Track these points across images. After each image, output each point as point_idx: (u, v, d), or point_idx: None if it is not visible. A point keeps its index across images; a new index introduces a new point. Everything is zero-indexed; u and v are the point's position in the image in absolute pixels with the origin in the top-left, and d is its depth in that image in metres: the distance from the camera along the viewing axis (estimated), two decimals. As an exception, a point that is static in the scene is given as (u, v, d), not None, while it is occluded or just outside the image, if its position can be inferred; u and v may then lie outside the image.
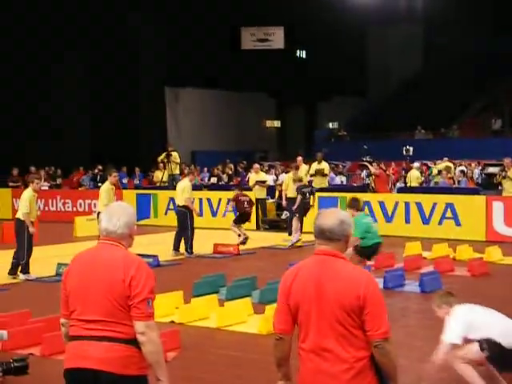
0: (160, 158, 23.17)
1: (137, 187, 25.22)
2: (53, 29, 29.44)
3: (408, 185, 21.73)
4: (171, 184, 22.06)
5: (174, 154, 22.06)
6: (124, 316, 3.76)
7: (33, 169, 24.16)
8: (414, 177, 21.90)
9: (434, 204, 17.10)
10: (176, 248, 14.76)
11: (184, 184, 15.16)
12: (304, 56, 43.87)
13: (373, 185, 21.15)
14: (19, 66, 28.75)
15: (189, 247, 14.70)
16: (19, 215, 12.32)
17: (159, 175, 24.44)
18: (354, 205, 10.35)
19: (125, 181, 27.55)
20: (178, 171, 22.27)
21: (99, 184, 20.98)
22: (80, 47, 30.86)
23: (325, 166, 21.06)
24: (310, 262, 3.82)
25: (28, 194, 12.42)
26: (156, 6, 32.77)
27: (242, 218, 16.07)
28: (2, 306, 9.85)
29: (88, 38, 30.84)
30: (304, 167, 21.33)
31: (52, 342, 7.19)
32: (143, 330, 3.74)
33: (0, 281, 12.02)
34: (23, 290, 11.46)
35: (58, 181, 26.83)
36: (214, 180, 26.13)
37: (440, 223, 16.99)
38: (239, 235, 15.81)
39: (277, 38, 38.62)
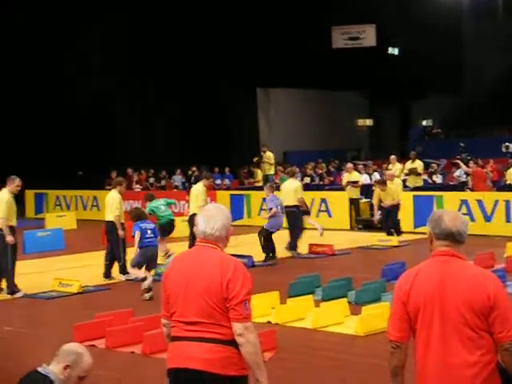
0: (255, 159, 23.39)
1: (228, 188, 25.48)
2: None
3: (508, 182, 20.99)
4: (265, 184, 22.13)
5: (268, 154, 22.12)
6: (222, 318, 3.80)
7: (113, 174, 24.52)
8: (514, 174, 21.11)
9: (537, 202, 16.46)
10: (293, 247, 14.72)
11: (296, 184, 15.15)
12: (396, 53, 43.15)
13: (470, 183, 20.53)
14: (113, 70, 29.60)
15: (294, 246, 14.73)
16: (110, 218, 12.61)
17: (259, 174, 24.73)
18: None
19: (217, 182, 27.93)
20: (272, 172, 22.31)
21: (192, 185, 21.30)
22: (171, 48, 31.45)
23: (418, 164, 20.67)
24: (430, 264, 3.70)
25: (117, 196, 12.72)
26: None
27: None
28: (104, 305, 10.16)
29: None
30: (398, 166, 21.00)
31: (153, 341, 7.34)
32: (241, 331, 3.77)
33: (102, 281, 12.38)
34: (124, 290, 11.77)
35: (163, 182, 27.40)
36: (306, 180, 26.04)
37: (543, 222, 16.33)
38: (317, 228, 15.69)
39: (368, 35, 38.16)
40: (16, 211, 11.57)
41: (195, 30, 31.20)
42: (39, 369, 4.01)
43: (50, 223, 20.09)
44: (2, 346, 8.46)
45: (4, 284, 11.36)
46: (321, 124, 39.78)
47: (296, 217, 14.75)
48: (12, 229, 11.24)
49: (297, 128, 38.69)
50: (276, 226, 14.13)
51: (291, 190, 14.80)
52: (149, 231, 11.57)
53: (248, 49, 32.99)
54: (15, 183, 11.45)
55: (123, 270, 12.58)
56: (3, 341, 8.70)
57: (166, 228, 13.75)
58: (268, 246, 14.07)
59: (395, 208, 16.94)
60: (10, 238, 11.11)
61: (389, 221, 16.96)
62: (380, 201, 17.09)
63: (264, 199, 20.71)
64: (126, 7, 29.55)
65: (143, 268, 11.38)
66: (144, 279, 10.87)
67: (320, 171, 26.80)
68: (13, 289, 11.23)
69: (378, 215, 16.95)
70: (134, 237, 11.42)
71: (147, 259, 11.47)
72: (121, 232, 12.48)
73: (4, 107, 27.39)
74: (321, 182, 25.39)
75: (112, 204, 12.62)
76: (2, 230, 11.10)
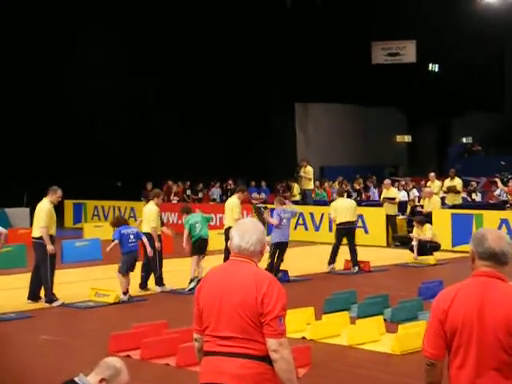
0: (296, 173, 23.43)
1: (264, 202, 25.47)
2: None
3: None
4: (310, 199, 22.06)
5: (308, 168, 21.98)
6: (256, 333, 3.77)
7: (149, 186, 24.70)
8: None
9: None
10: (355, 264, 14.63)
11: (352, 203, 15.36)
12: (436, 70, 42.84)
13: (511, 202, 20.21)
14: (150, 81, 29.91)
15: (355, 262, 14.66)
16: (146, 229, 12.68)
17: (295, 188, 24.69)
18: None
19: (254, 195, 27.96)
20: (310, 186, 22.11)
21: (224, 198, 21.38)
22: (211, 62, 31.67)
23: (457, 182, 20.45)
24: (470, 284, 3.63)
25: (154, 208, 12.80)
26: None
27: None
28: (139, 316, 10.23)
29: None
30: (437, 183, 20.79)
31: (187, 353, 7.34)
32: (276, 347, 3.74)
33: (138, 291, 12.46)
34: (159, 302, 11.83)
35: (200, 194, 27.53)
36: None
37: None
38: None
39: (408, 51, 37.98)
40: (56, 221, 11.75)
41: (238, 47, 31.42)
42: (76, 378, 4.04)
43: (88, 233, 20.32)
44: (39, 354, 8.55)
45: (42, 293, 11.52)
46: (358, 139, 39.64)
47: (354, 233, 14.99)
48: (52, 238, 11.40)
49: (334, 143, 38.61)
50: (283, 237, 13.77)
51: (350, 207, 14.94)
52: (131, 236, 11.93)
53: (288, 64, 33.09)
54: (57, 194, 11.63)
55: (159, 282, 12.65)
56: (41, 349, 8.80)
57: (197, 246, 13.32)
58: (272, 262, 13.52)
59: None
60: (50, 247, 11.27)
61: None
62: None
63: (301, 214, 20.73)
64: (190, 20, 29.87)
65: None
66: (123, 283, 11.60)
67: (357, 187, 26.64)
68: (51, 297, 11.37)
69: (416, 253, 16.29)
70: (113, 241, 11.92)
71: (132, 264, 11.83)
72: (157, 244, 12.57)
73: (45, 118, 27.85)
74: (358, 198, 25.24)
75: (149, 216, 12.72)
76: (42, 238, 11.27)
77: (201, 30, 30.62)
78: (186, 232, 12.84)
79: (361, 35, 35.79)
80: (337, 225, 15.00)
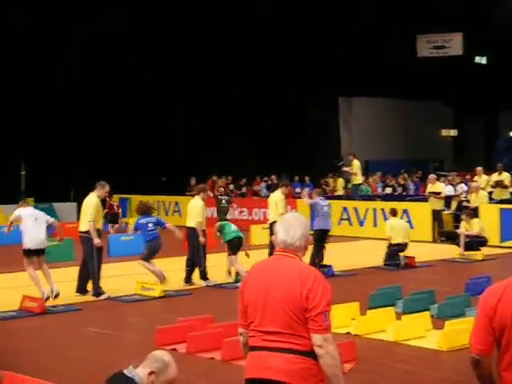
0: (339, 163, 23.36)
1: (309, 196, 25.40)
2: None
3: None
4: (355, 194, 21.88)
5: (355, 162, 21.80)
6: (301, 328, 3.76)
7: (193, 180, 24.96)
8: None
9: None
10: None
11: (406, 224, 15.47)
12: (484, 62, 42.07)
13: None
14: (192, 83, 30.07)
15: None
16: (191, 224, 12.76)
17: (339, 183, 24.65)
18: None
19: (298, 190, 27.92)
20: (356, 181, 21.89)
21: (270, 193, 21.39)
22: (255, 58, 31.69)
23: (505, 176, 20.10)
24: None
25: (200, 203, 12.87)
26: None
27: None
28: (184, 310, 10.32)
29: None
30: (484, 178, 20.48)
31: (232, 347, 7.37)
32: (321, 343, 3.72)
33: (183, 286, 12.56)
34: (204, 296, 11.91)
35: (244, 189, 27.62)
36: (388, 190, 25.71)
37: None
38: None
39: (455, 44, 37.37)
40: (102, 215, 11.92)
41: (281, 42, 31.35)
42: (125, 371, 4.09)
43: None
44: (87, 346, 8.69)
45: (90, 286, 11.70)
46: (403, 134, 39.21)
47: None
48: (98, 232, 11.57)
49: (378, 137, 38.27)
50: (324, 225, 14.13)
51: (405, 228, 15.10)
52: (150, 224, 12.34)
53: (331, 58, 32.90)
54: (105, 189, 11.81)
55: (203, 276, 12.74)
56: (89, 341, 8.94)
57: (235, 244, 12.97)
58: (318, 247, 13.86)
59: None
60: (97, 241, 11.44)
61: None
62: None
63: (345, 209, 20.66)
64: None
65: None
66: (154, 272, 12.06)
67: (402, 181, 26.39)
68: (98, 291, 11.54)
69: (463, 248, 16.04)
70: (134, 230, 12.65)
71: (154, 251, 12.27)
72: (202, 238, 12.65)
73: (92, 114, 28.23)
74: (403, 193, 25.01)
75: (194, 210, 12.80)
76: (89, 232, 11.44)
77: (243, 26, 30.65)
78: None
79: (406, 28, 35.36)
80: (392, 245, 14.67)
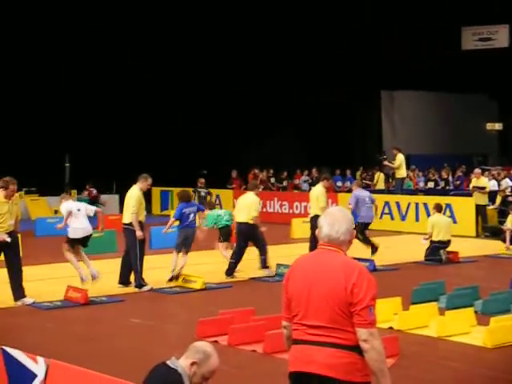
0: (380, 157, 23.20)
1: (349, 190, 25.28)
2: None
3: None
4: (399, 188, 21.61)
5: (397, 156, 21.54)
6: (346, 323, 3.74)
7: (234, 173, 25.21)
8: None
9: None
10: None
11: (449, 220, 15.27)
12: (531, 54, 41.23)
13: None
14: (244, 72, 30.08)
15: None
16: (243, 219, 12.71)
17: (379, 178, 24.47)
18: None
19: (339, 184, 27.79)
20: (399, 175, 21.56)
21: (311, 187, 21.35)
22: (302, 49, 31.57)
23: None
24: None
25: (256, 199, 12.99)
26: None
27: None
28: (226, 302, 10.35)
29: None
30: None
31: (274, 340, 7.37)
32: (366, 337, 3.71)
33: (225, 278, 12.58)
34: (246, 288, 11.92)
35: (285, 183, 27.60)
36: (430, 184, 25.41)
37: None
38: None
39: (501, 36, 36.64)
40: (145, 207, 12.01)
41: (322, 35, 31.19)
42: (168, 362, 4.12)
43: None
44: (130, 337, 8.78)
45: (132, 278, 11.81)
46: (446, 127, 38.67)
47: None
48: (141, 224, 11.66)
49: (421, 131, 37.82)
50: (367, 218, 14.49)
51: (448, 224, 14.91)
52: (191, 215, 12.56)
53: (374, 50, 32.61)
54: (148, 182, 11.92)
55: (264, 265, 12.84)
56: (131, 332, 9.03)
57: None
58: (367, 238, 14.25)
59: None
60: (139, 233, 11.53)
61: None
62: None
63: (387, 203, 20.50)
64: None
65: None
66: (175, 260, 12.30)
67: (445, 175, 26.04)
68: (140, 282, 11.64)
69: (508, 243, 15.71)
70: (176, 219, 12.66)
71: (186, 239, 12.42)
72: (263, 228, 12.96)
73: (133, 108, 28.49)
74: (447, 187, 24.69)
75: (250, 205, 12.77)
76: (132, 224, 11.54)
77: (281, 21, 30.56)
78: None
79: (450, 20, 34.82)
80: (434, 241, 14.40)
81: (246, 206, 12.78)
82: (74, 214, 11.52)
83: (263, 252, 12.91)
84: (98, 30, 26.99)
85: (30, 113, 26.68)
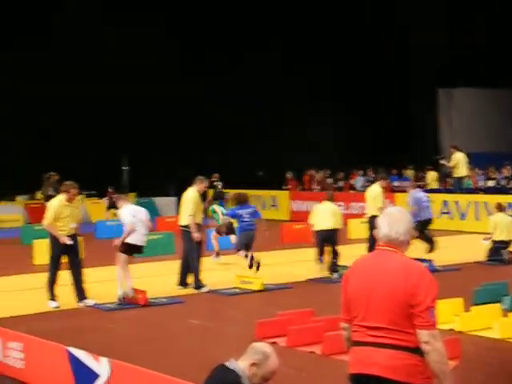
0: (437, 157, 22.87)
1: (406, 190, 24.97)
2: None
3: None
4: (457, 187, 21.27)
5: (454, 155, 21.15)
6: (407, 324, 3.71)
7: (289, 175, 25.29)
8: None
9: None
10: None
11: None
12: None
13: None
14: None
15: None
16: (330, 226, 12.93)
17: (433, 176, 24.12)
18: None
19: (395, 184, 27.44)
20: (458, 174, 21.21)
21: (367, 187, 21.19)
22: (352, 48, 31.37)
23: None
24: None
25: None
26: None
27: None
28: (284, 303, 10.34)
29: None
30: None
31: (333, 342, 7.34)
32: (427, 339, 3.67)
33: (283, 279, 12.59)
34: (305, 289, 11.90)
35: (341, 183, 27.47)
36: (490, 183, 24.88)
37: None
38: None
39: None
40: (201, 210, 12.12)
41: (377, 33, 30.93)
42: (227, 363, 4.15)
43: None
44: (190, 338, 8.86)
45: (190, 279, 11.91)
46: (506, 125, 37.82)
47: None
48: (198, 226, 11.76)
49: (480, 129, 37.07)
50: (426, 216, 14.47)
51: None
52: (246, 216, 12.61)
53: (429, 47, 32.14)
54: (204, 184, 12.03)
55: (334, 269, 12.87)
56: (191, 333, 9.12)
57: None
58: (426, 236, 14.22)
59: None
60: (196, 235, 11.63)
61: None
62: None
63: (445, 202, 20.17)
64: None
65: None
66: (246, 256, 12.52)
67: (507, 174, 25.44)
68: (198, 284, 11.74)
69: None
70: (227, 215, 13.20)
71: (247, 241, 12.66)
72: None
73: (191, 110, 28.76)
74: (508, 186, 24.12)
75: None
76: (189, 227, 11.64)
77: (337, 16, 30.42)
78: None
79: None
80: (495, 241, 14.20)
81: (331, 214, 13.00)
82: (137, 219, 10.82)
83: (335, 256, 12.98)
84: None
85: (90, 118, 27.20)
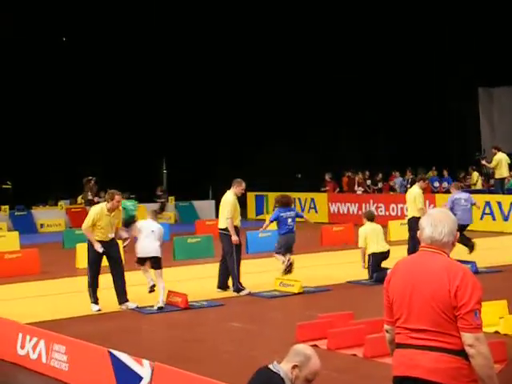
0: (477, 156, 22.55)
1: (447, 191, 24.69)
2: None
3: None
4: (499, 188, 20.90)
5: (496, 156, 20.79)
6: (451, 327, 3.65)
7: (327, 176, 25.16)
8: None
9: None
10: None
11: None
12: None
13: None
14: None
15: None
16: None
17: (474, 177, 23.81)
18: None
19: (436, 185, 27.14)
20: (499, 175, 20.86)
21: (407, 187, 21.00)
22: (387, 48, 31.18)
23: None
24: None
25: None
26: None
27: None
28: (324, 306, 10.30)
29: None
30: None
31: (374, 344, 7.28)
32: (472, 342, 3.60)
33: (322, 282, 12.55)
34: (345, 292, 11.82)
35: (379, 185, 27.30)
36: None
37: None
38: None
39: None
40: (240, 212, 12.12)
41: (415, 34, 30.69)
42: (270, 366, 4.14)
43: (271, 224, 20.76)
44: (231, 341, 8.87)
45: (230, 282, 11.93)
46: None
47: None
48: (236, 229, 11.77)
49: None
50: (462, 220, 13.81)
51: None
52: (289, 219, 12.59)
53: (469, 46, 31.75)
54: (241, 186, 12.00)
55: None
56: (232, 336, 9.13)
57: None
58: (465, 238, 13.98)
59: None
60: (235, 238, 11.65)
61: None
62: None
63: (488, 203, 19.87)
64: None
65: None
66: (283, 262, 12.38)
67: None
68: (238, 287, 11.75)
69: None
70: (271, 221, 12.95)
71: (287, 244, 12.58)
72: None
73: (229, 116, 28.85)
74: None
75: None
76: (227, 230, 11.66)
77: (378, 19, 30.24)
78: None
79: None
80: None
81: (381, 235, 12.75)
82: (146, 233, 10.63)
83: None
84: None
85: (128, 122, 27.49)
